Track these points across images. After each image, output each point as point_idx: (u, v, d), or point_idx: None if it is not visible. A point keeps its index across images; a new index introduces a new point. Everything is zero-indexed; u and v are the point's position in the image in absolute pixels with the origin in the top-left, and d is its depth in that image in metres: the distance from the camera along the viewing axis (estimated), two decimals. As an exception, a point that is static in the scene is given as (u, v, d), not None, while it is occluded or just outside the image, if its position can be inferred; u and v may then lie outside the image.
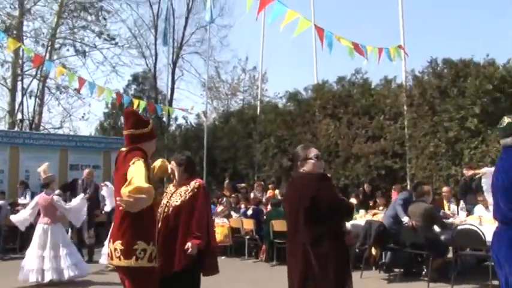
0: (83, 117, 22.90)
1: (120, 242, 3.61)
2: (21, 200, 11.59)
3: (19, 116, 21.70)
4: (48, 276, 7.85)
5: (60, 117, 23.40)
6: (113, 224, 3.93)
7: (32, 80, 21.91)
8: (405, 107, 12.94)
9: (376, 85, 14.69)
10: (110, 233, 4.14)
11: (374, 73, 19.99)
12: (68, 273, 8.00)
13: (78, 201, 8.82)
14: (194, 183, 4.45)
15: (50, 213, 8.22)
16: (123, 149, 3.91)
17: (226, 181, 15.26)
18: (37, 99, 22.09)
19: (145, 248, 3.61)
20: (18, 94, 21.67)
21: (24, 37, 20.98)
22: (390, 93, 13.57)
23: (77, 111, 23.04)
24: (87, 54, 21.83)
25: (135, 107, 14.84)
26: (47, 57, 20.98)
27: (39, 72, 21.65)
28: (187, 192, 4.38)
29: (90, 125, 25.40)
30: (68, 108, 22.94)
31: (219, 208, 11.64)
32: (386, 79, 14.19)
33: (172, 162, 4.56)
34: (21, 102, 21.04)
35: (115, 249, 3.64)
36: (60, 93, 21.76)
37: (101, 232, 13.35)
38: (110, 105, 25.89)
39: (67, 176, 16.06)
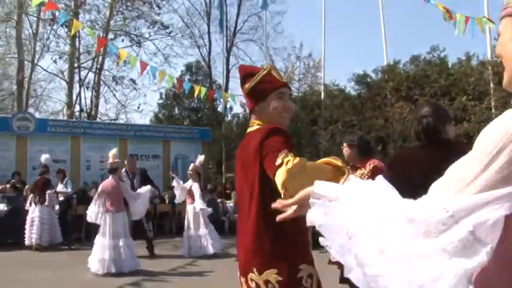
0: (138, 107, 22.69)
1: (273, 271, 2.15)
2: (59, 189, 11.16)
3: (77, 108, 21.64)
4: (110, 267, 7.60)
5: (115, 109, 23.35)
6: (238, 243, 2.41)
7: (88, 72, 21.85)
8: (492, 85, 11.79)
9: (453, 64, 13.56)
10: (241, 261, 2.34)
11: (450, 51, 18.58)
12: (127, 265, 7.76)
13: (144, 191, 8.43)
14: (369, 166, 3.88)
15: (116, 200, 7.88)
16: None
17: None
18: (93, 91, 21.97)
19: (311, 273, 2.24)
20: (75, 86, 21.67)
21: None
22: (473, 71, 12.42)
23: (132, 103, 22.87)
24: (142, 44, 21.49)
25: (196, 93, 14.22)
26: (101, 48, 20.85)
27: (95, 64, 21.59)
28: (363, 177, 3.69)
29: (145, 117, 25.11)
30: (123, 100, 22.81)
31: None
32: (468, 56, 13.04)
33: (344, 144, 4.11)
34: (79, 94, 20.94)
35: (266, 283, 2.17)
36: (116, 84, 21.56)
37: (165, 223, 13.02)
38: (164, 96, 25.61)
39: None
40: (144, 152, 16.09)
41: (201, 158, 9.97)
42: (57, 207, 11.37)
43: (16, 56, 19.70)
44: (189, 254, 9.19)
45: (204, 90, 15.74)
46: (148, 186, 8.83)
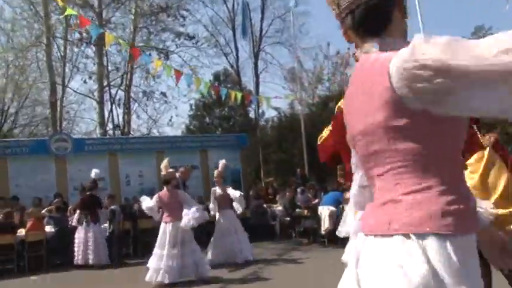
0: (170, 120, 22.53)
1: None
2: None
3: (109, 126, 21.60)
4: (171, 277, 7.41)
5: (146, 124, 23.26)
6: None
7: (118, 90, 21.80)
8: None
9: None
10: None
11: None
12: (192, 272, 7.58)
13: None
14: None
15: (174, 210, 7.63)
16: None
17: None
18: (124, 108, 21.92)
19: None
20: (106, 105, 21.65)
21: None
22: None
23: (163, 116, 22.75)
24: (169, 56, 21.34)
25: (232, 98, 13.91)
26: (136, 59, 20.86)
27: (124, 80, 21.54)
28: None
29: (176, 130, 24.92)
30: (154, 114, 22.73)
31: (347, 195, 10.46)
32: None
33: None
34: (111, 112, 20.88)
35: None
36: (147, 99, 21.45)
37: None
38: (194, 107, 25.45)
39: (166, 179, 15.51)
40: (182, 163, 15.75)
41: (222, 162, 9.60)
42: (105, 224, 11.12)
43: (47, 80, 19.82)
44: (217, 261, 8.83)
45: (239, 94, 15.43)
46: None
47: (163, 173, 7.87)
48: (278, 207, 12.46)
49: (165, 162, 7.94)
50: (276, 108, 22.65)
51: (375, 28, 1.50)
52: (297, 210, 11.58)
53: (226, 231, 9.11)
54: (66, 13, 10.68)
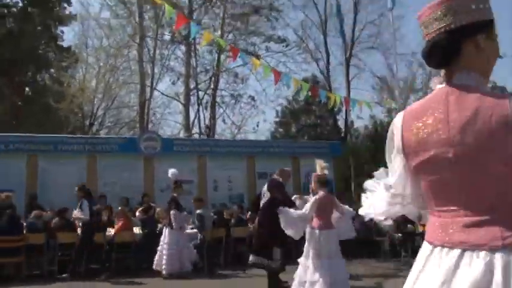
0: (257, 125, 21.74)
1: None
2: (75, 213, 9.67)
3: (194, 130, 21.12)
4: None
5: (229, 130, 22.60)
6: None
7: (205, 93, 21.30)
8: None
9: None
10: None
11: None
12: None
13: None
14: None
15: (325, 215, 6.74)
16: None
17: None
18: (210, 111, 21.37)
19: None
20: (192, 108, 21.21)
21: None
22: None
23: (247, 122, 22.03)
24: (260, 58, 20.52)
25: (331, 101, 12.77)
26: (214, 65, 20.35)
27: (212, 83, 21.02)
28: None
29: (259, 137, 24.05)
30: (240, 119, 22.05)
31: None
32: None
33: None
34: (197, 115, 20.36)
35: None
36: (236, 103, 20.78)
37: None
38: (280, 113, 24.54)
39: (256, 186, 14.58)
40: (272, 170, 14.76)
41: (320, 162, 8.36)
42: (188, 229, 10.25)
43: (136, 81, 19.67)
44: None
45: (338, 97, 14.25)
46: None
47: (318, 173, 7.07)
48: (389, 222, 11.03)
49: (320, 163, 7.22)
50: (372, 117, 21.21)
51: (437, 61, 1.70)
52: (409, 226, 10.21)
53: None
54: (167, 13, 10.02)
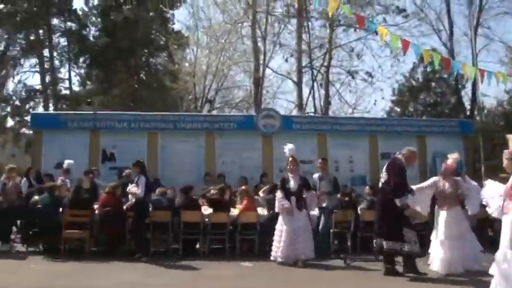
0: (374, 103, 20.51)
1: None
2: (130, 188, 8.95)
3: (307, 110, 20.32)
4: (455, 268, 7.13)
5: (344, 109, 21.52)
6: None
7: (318, 71, 20.39)
8: None
9: None
10: None
11: None
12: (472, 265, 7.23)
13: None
14: None
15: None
16: None
17: None
18: (324, 89, 20.45)
19: None
20: (305, 86, 20.43)
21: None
22: None
23: (362, 101, 20.81)
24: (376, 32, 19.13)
25: (466, 74, 11.33)
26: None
27: (324, 60, 20.06)
28: None
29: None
30: (351, 100, 20.93)
31: None
32: None
33: None
34: (311, 92, 19.53)
35: None
36: (352, 78, 19.64)
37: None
38: (397, 92, 22.99)
39: (379, 167, 13.50)
40: (396, 149, 13.56)
41: (455, 155, 7.97)
42: (315, 212, 9.41)
43: (248, 60, 19.27)
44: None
45: (473, 70, 12.71)
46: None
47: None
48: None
49: (455, 155, 7.65)
50: (507, 92, 19.06)
51: None
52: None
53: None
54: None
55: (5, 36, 26.49)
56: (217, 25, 18.80)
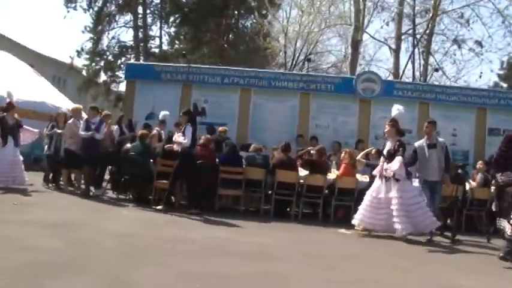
0: (480, 76, 18.83)
1: None
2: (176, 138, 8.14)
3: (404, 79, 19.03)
4: None
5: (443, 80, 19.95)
6: None
7: (419, 39, 18.95)
8: None
9: None
10: None
11: None
12: None
13: None
14: None
15: None
16: None
17: None
18: (424, 59, 19.03)
19: None
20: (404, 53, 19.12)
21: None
22: None
23: (469, 72, 19.14)
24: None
25: None
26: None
27: (428, 27, 18.57)
28: None
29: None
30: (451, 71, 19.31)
31: None
32: None
33: None
34: (411, 58, 18.20)
35: None
36: (459, 47, 18.07)
37: None
38: (506, 65, 20.99)
39: (484, 143, 12.29)
40: (507, 126, 12.27)
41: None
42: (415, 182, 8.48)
43: (343, 23, 18.24)
44: None
45: None
46: None
47: None
48: None
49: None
50: None
51: None
52: None
53: None
54: None
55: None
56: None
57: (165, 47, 29.12)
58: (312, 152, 9.30)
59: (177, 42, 29.61)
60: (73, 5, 26.81)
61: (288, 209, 8.68)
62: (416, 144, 8.01)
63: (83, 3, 27.02)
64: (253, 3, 27.28)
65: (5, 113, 9.10)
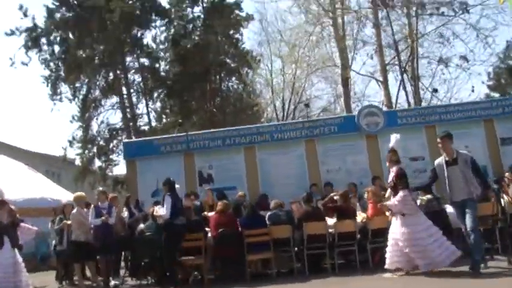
0: (472, 90, 18.74)
1: None
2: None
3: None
4: None
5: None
6: None
7: (405, 65, 18.98)
8: None
9: None
10: None
11: None
12: None
13: None
14: None
15: None
16: None
17: None
18: (413, 83, 18.99)
19: None
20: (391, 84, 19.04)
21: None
22: None
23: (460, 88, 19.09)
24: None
25: None
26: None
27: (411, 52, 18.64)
28: None
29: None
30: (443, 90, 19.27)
31: None
32: None
33: None
34: (401, 88, 18.15)
35: None
36: (446, 66, 18.07)
37: None
38: (492, 75, 21.03)
39: (499, 153, 11.93)
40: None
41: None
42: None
43: (330, 65, 18.26)
44: None
45: None
46: None
47: None
48: None
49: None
50: None
51: None
52: None
53: None
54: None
55: (86, 80, 27.18)
56: (295, 29, 17.86)
57: (153, 123, 29.07)
58: (335, 198, 8.85)
59: (164, 116, 29.59)
60: (58, 97, 26.91)
61: (323, 263, 8.16)
62: (436, 162, 7.50)
63: (67, 94, 27.17)
64: (233, 65, 27.58)
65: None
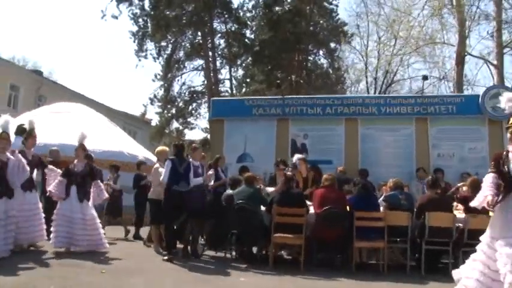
0: None
1: None
2: None
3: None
4: None
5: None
6: None
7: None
8: None
9: None
10: None
11: None
12: None
13: None
14: None
15: None
16: None
17: None
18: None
19: None
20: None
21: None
22: None
23: None
24: None
25: None
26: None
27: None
28: None
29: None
30: None
31: None
32: None
33: None
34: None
35: None
36: None
37: None
38: None
39: None
40: None
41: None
42: None
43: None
44: None
45: None
46: None
47: None
48: None
49: None
50: None
51: None
52: None
53: None
54: None
55: (172, 40, 26.76)
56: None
57: (234, 91, 28.27)
58: (463, 188, 7.38)
59: (244, 85, 28.73)
60: (143, 54, 26.69)
61: (442, 261, 6.80)
62: None
63: (152, 51, 26.91)
64: (323, 37, 26.13)
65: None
